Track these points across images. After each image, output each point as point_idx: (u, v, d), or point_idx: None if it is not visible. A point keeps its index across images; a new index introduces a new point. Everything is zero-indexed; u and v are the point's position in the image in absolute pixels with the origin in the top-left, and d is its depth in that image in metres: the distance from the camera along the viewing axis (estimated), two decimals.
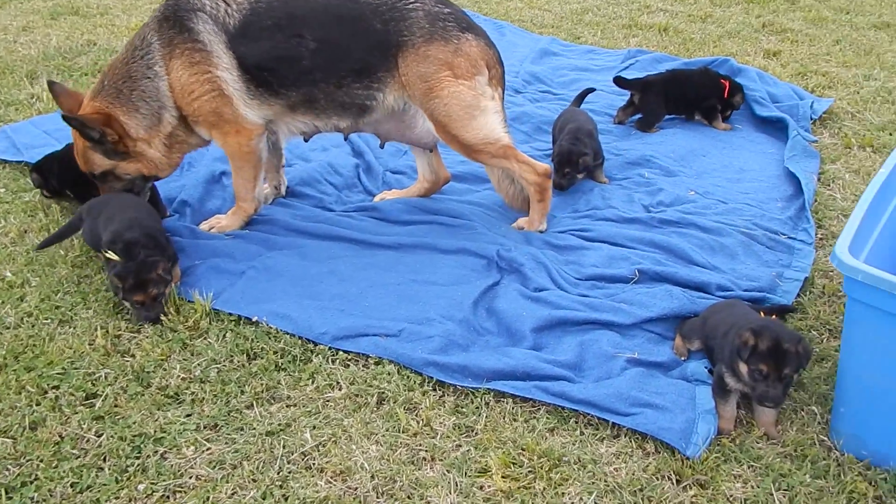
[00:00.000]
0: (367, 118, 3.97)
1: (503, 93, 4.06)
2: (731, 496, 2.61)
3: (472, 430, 2.89)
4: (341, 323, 3.34)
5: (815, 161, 4.69)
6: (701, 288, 3.55)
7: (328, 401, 3.03)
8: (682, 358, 3.22)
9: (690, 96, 5.29)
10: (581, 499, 2.60)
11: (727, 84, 5.20)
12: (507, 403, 3.01)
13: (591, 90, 5.34)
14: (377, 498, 2.58)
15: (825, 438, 2.83)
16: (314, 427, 2.89)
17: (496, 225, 4.18)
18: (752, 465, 2.73)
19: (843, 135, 5.06)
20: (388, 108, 3.92)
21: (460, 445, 2.82)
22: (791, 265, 3.77)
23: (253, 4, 3.72)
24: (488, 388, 3.05)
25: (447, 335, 3.27)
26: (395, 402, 2.98)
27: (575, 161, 4.41)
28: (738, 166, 4.76)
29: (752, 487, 2.64)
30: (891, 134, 5.02)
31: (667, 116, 5.43)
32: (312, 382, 3.11)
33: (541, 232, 4.16)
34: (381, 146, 4.38)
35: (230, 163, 4.09)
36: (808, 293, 3.62)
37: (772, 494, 2.61)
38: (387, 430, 2.88)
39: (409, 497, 2.59)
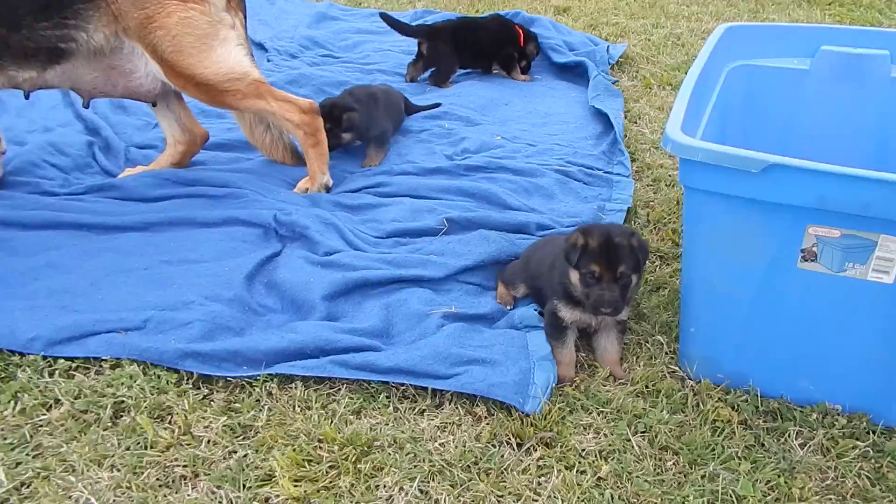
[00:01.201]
0: (61, 66, 3.16)
1: (245, 21, 3.47)
2: (583, 450, 2.20)
3: (251, 430, 2.25)
4: (60, 322, 2.55)
5: (619, 100, 4.61)
6: (520, 229, 3.19)
7: (39, 425, 2.23)
8: (508, 307, 2.81)
9: (484, 45, 5.05)
10: (401, 488, 2.06)
11: (521, 32, 5.03)
12: (296, 389, 2.40)
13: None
14: None
15: (676, 369, 2.54)
16: (15, 464, 2.09)
17: (273, 191, 3.55)
18: (603, 411, 2.35)
19: (642, 77, 5.09)
20: (95, 48, 3.16)
21: (234, 451, 2.17)
22: (611, 198, 3.55)
23: None
24: (270, 375, 2.43)
25: (212, 319, 2.60)
26: (138, 412, 2.26)
27: (338, 116, 3.84)
28: (542, 111, 4.56)
29: (606, 436, 2.26)
30: (685, 73, 5.12)
31: (462, 71, 5.14)
32: (15, 405, 2.29)
33: (327, 189, 3.60)
34: (85, 105, 3.57)
35: None
36: (632, 224, 3.41)
37: (629, 440, 2.24)
38: (126, 450, 2.15)
39: None
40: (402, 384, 2.41)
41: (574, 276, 2.39)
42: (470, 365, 2.41)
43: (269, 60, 5.24)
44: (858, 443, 2.23)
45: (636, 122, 4.42)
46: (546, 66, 5.34)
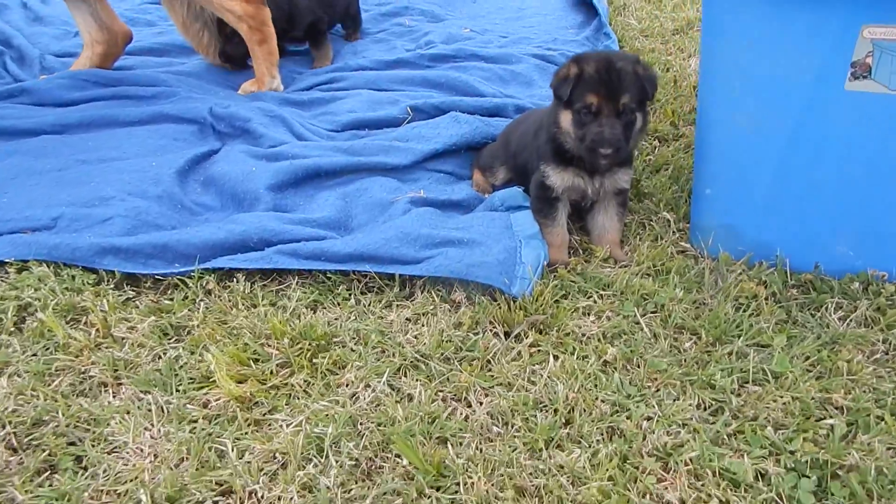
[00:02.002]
0: None
1: None
2: (583, 335, 1.87)
3: (184, 330, 1.89)
4: None
5: None
6: (496, 113, 2.84)
7: None
8: (486, 195, 2.47)
9: None
10: (367, 384, 1.72)
11: None
12: (238, 285, 2.03)
13: None
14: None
15: (687, 247, 2.22)
16: None
17: (210, 91, 3.15)
18: (604, 294, 2.03)
19: None
20: None
21: (165, 352, 1.81)
22: None
23: None
24: (206, 270, 2.06)
25: (135, 215, 2.24)
26: (46, 314, 1.88)
27: None
28: (515, 6, 4.20)
29: (610, 318, 1.93)
30: None
31: None
32: None
33: (275, 91, 3.21)
34: None
35: None
36: None
37: (638, 322, 1.92)
38: (32, 356, 1.78)
39: (76, 441, 1.56)
40: (365, 273, 2.06)
41: (566, 118, 2.02)
42: (444, 247, 2.06)
43: None
44: None
45: (621, 13, 4.06)
46: None
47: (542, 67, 3.27)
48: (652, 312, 1.96)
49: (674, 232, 2.28)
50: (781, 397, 1.68)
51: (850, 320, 1.92)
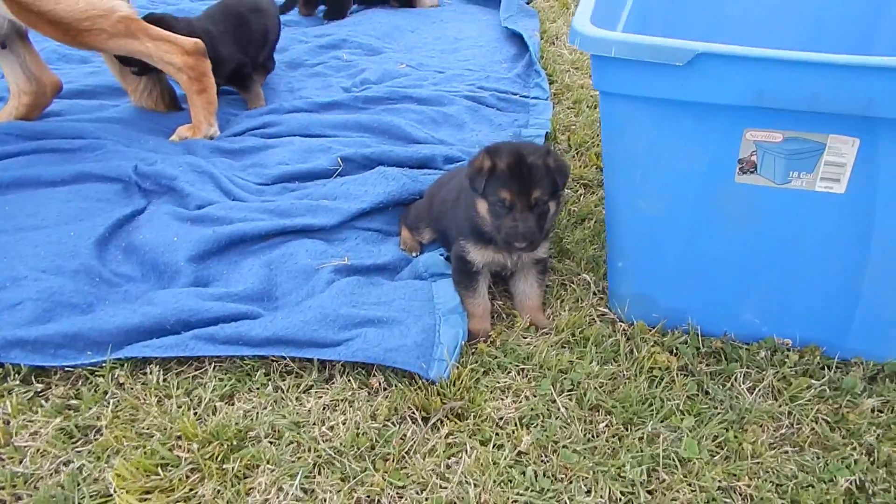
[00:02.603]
0: None
1: None
2: (500, 419, 1.79)
3: (92, 432, 1.76)
4: None
5: (534, 19, 4.13)
6: (424, 164, 2.72)
7: None
8: (413, 254, 2.36)
9: None
10: (280, 488, 1.62)
11: None
12: (152, 375, 1.90)
13: None
14: None
15: (606, 311, 2.14)
16: None
17: (140, 140, 2.97)
18: (523, 369, 1.94)
19: None
20: None
21: (69, 462, 1.68)
22: (528, 123, 3.10)
23: None
24: (118, 360, 1.92)
25: (49, 296, 2.08)
26: None
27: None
28: (452, 36, 4.04)
29: (528, 398, 1.85)
30: None
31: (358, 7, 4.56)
32: None
33: (211, 139, 3.05)
34: None
35: None
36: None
37: (554, 401, 1.84)
38: None
39: None
40: (284, 357, 1.94)
41: (482, 206, 1.94)
42: (363, 327, 1.96)
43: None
44: (813, 381, 1.89)
45: (553, 43, 3.95)
46: None
47: (473, 109, 3.15)
48: (569, 391, 1.88)
49: (594, 294, 2.20)
50: (689, 485, 1.62)
51: (758, 391, 1.87)
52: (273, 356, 1.94)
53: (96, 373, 1.91)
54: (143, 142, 2.97)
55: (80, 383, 1.91)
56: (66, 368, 1.92)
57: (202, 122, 3.05)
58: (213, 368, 1.94)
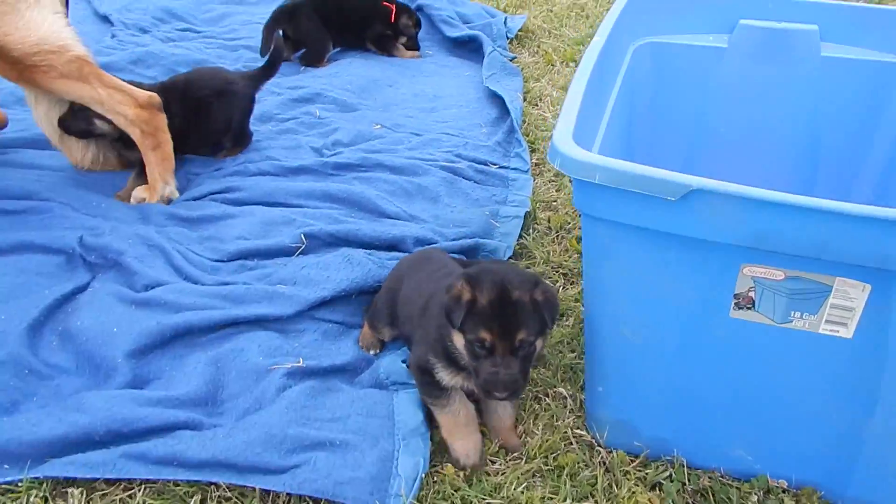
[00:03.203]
0: None
1: None
2: None
3: None
4: None
5: (517, 79, 3.98)
6: (394, 245, 2.54)
7: None
8: (373, 352, 2.16)
9: (352, 23, 4.30)
10: None
11: (392, 7, 4.28)
12: (74, 499, 1.68)
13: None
14: None
15: (583, 432, 1.95)
16: None
17: (90, 201, 2.75)
18: None
19: (544, 52, 4.46)
20: None
21: None
22: (507, 200, 2.93)
23: None
24: (36, 479, 1.70)
25: None
26: None
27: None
28: (431, 94, 3.88)
29: None
30: None
31: (339, 49, 4.38)
32: None
33: (168, 201, 2.84)
34: None
35: None
36: (531, 231, 2.80)
37: None
38: None
39: None
40: (222, 484, 1.73)
41: (458, 339, 1.71)
42: (313, 451, 1.76)
43: (113, 37, 4.32)
44: None
45: (537, 105, 3.80)
46: (438, 41, 4.63)
47: (449, 181, 2.98)
48: None
49: (570, 411, 2.01)
50: None
51: None
52: (209, 483, 1.73)
53: (13, 490, 1.69)
54: (95, 204, 2.75)
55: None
56: None
57: (157, 180, 2.84)
58: (144, 491, 1.73)
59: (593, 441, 1.92)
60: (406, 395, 1.95)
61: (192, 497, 1.72)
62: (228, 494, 1.73)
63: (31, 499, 1.68)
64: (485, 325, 1.62)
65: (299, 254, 2.51)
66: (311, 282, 2.33)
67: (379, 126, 3.42)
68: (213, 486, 1.74)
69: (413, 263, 2.19)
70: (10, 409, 1.90)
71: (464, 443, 1.83)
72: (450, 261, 2.12)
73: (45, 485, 1.71)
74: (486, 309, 1.63)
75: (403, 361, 2.06)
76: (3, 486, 1.70)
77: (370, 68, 4.11)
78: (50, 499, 1.69)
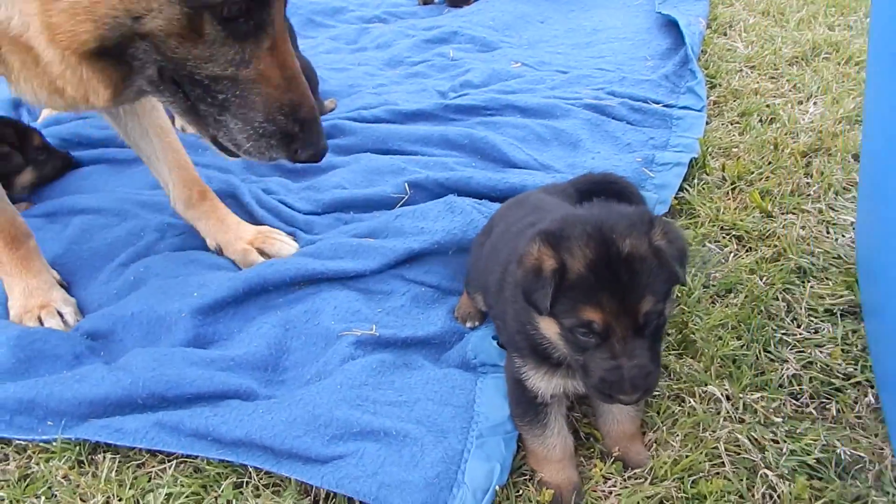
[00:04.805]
0: None
1: None
2: None
3: None
4: None
5: (702, 3, 3.35)
6: (512, 195, 2.13)
7: None
8: (470, 325, 1.79)
9: None
10: None
11: None
12: (104, 464, 1.52)
13: None
14: None
15: (737, 447, 1.44)
16: None
17: None
18: None
19: None
20: None
21: None
22: (668, 144, 2.41)
23: None
24: (69, 441, 1.56)
25: (30, 342, 1.79)
26: None
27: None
28: (589, 27, 3.40)
29: None
30: None
31: None
32: None
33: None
34: None
35: None
36: (695, 182, 2.25)
37: None
38: None
39: None
40: (259, 468, 1.47)
41: (549, 327, 1.27)
42: (363, 440, 1.45)
43: None
44: None
45: (725, 34, 3.17)
46: None
47: (594, 123, 2.51)
48: None
49: (727, 418, 1.51)
50: None
51: None
52: (243, 465, 1.48)
53: (46, 451, 1.57)
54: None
55: (35, 463, 1.57)
56: (22, 442, 1.60)
57: None
58: (178, 467, 1.52)
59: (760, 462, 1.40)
60: (494, 380, 1.58)
61: (225, 479, 1.48)
62: (266, 481, 1.47)
63: (63, 461, 1.54)
64: (588, 301, 1.16)
65: (401, 205, 2.21)
66: (401, 233, 2.02)
67: (518, 64, 3.01)
68: (252, 470, 1.49)
69: (504, 210, 1.77)
70: (72, 363, 1.81)
71: (556, 476, 1.40)
72: (554, 205, 1.65)
73: (79, 447, 1.57)
74: (585, 277, 1.17)
75: (494, 337, 1.67)
76: (42, 444, 1.59)
77: (519, 3, 3.70)
78: (85, 462, 1.55)
